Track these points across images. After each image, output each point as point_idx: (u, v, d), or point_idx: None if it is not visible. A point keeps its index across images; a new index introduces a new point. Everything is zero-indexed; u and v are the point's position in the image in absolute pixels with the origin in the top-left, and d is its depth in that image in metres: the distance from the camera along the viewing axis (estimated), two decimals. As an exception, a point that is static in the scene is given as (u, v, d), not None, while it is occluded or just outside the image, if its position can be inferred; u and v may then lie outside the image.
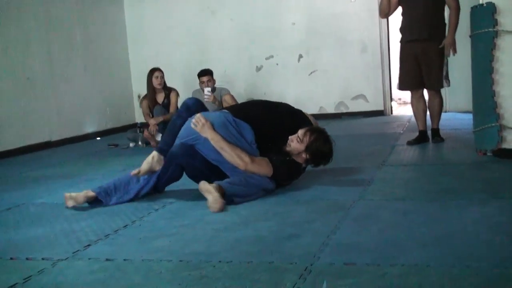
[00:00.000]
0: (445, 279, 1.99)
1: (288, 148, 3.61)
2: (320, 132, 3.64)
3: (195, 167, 3.60)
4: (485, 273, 2.03)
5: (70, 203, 3.54)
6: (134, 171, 3.64)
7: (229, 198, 3.33)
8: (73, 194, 3.57)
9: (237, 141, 3.54)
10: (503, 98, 4.16)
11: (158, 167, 3.63)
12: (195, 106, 3.79)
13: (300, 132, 3.60)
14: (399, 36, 5.30)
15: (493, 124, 4.21)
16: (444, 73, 5.06)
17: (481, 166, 4.02)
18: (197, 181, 3.47)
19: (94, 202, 3.58)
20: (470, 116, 4.77)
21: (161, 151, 3.66)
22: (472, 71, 4.54)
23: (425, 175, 3.97)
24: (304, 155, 3.59)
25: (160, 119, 6.53)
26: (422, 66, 5.11)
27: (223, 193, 3.31)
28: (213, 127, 3.52)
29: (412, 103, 5.39)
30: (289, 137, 3.62)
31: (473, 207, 2.94)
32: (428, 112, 5.34)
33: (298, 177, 3.75)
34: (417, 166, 4.30)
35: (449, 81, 5.09)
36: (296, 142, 3.58)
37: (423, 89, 5.33)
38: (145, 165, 3.63)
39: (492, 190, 3.29)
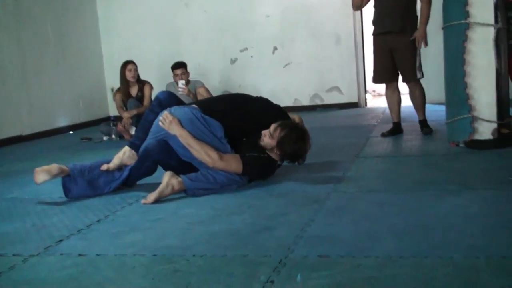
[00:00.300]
0: (418, 269, 2.00)
1: (262, 143, 3.54)
2: (292, 128, 3.51)
3: (170, 164, 3.57)
4: (457, 263, 2.04)
5: (41, 178, 3.46)
6: (103, 166, 3.60)
7: (190, 193, 3.39)
8: (45, 167, 3.49)
9: (206, 137, 3.50)
10: (475, 89, 4.20)
11: (129, 162, 3.61)
12: (167, 100, 3.74)
13: (272, 127, 3.49)
14: (372, 28, 5.31)
15: (465, 116, 4.25)
16: (417, 64, 5.08)
17: (454, 157, 4.05)
18: None
19: (65, 178, 3.56)
20: (443, 107, 4.81)
21: (133, 146, 3.64)
22: (444, 63, 4.57)
23: (399, 166, 4.00)
24: (277, 151, 3.50)
25: (134, 112, 6.48)
26: (396, 59, 5.13)
27: (184, 188, 3.37)
28: (181, 123, 3.49)
29: (386, 94, 5.42)
30: (262, 131, 3.54)
31: (446, 198, 2.97)
32: (410, 104, 5.35)
33: (272, 174, 3.69)
34: (391, 157, 4.32)
35: (422, 72, 5.11)
36: (267, 137, 3.49)
37: (397, 81, 5.35)
38: (116, 160, 3.61)
39: (465, 181, 3.32)
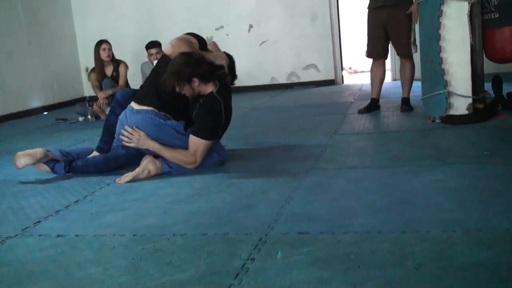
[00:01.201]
0: (396, 245, 2.03)
1: (189, 95, 3.42)
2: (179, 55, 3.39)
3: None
4: (435, 237, 2.07)
5: (23, 162, 3.42)
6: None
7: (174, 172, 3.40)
8: (29, 151, 3.45)
9: (174, 139, 3.44)
10: (450, 65, 4.22)
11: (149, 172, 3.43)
12: (125, 99, 3.71)
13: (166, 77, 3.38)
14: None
15: (441, 91, 4.29)
16: (412, 39, 5.06)
17: (430, 133, 4.09)
18: None
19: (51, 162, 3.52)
20: (419, 83, 4.84)
21: (100, 150, 3.67)
22: (419, 39, 4.59)
23: (376, 143, 4.02)
24: (187, 87, 3.36)
25: (109, 92, 6.41)
26: (390, 33, 5.10)
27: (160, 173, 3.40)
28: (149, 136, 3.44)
29: (371, 69, 5.40)
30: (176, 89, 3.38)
31: (423, 173, 3.00)
32: (389, 81, 5.35)
33: (222, 111, 3.45)
34: (369, 134, 4.35)
35: (416, 46, 5.06)
36: (183, 86, 3.36)
37: (386, 58, 5.36)
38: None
39: (441, 156, 3.35)
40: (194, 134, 3.37)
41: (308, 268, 1.89)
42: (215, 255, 2.08)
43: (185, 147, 3.40)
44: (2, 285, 1.97)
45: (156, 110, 3.50)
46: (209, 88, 3.43)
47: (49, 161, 3.52)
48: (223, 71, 3.55)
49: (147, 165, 3.37)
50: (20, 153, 3.45)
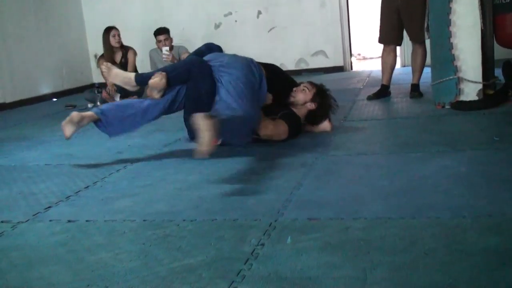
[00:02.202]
0: (406, 230, 2.03)
1: (291, 99, 3.75)
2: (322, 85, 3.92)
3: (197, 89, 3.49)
4: (445, 223, 2.07)
5: (67, 131, 3.37)
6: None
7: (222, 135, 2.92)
8: (67, 118, 3.38)
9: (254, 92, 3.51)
10: (460, 50, 4.20)
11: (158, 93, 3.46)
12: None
13: (305, 83, 3.84)
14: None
15: (451, 77, 4.27)
16: (426, 24, 5.02)
17: (440, 119, 4.08)
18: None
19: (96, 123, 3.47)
20: (428, 70, 4.81)
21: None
22: (430, 24, 4.56)
23: (385, 129, 4.02)
24: (309, 106, 3.76)
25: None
26: (403, 19, 5.06)
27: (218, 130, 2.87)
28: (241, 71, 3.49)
29: (382, 55, 5.38)
30: (294, 88, 3.79)
31: (432, 159, 2.99)
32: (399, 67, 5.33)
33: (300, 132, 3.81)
34: (378, 120, 4.33)
35: (429, 33, 5.04)
36: (302, 93, 3.76)
37: (398, 44, 5.33)
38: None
39: (451, 142, 3.34)
40: (283, 119, 3.62)
41: (317, 253, 1.89)
42: (225, 240, 2.09)
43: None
44: (14, 269, 1.99)
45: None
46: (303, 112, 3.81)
47: (96, 121, 3.45)
48: None
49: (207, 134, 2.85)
50: (63, 122, 3.40)
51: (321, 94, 3.81)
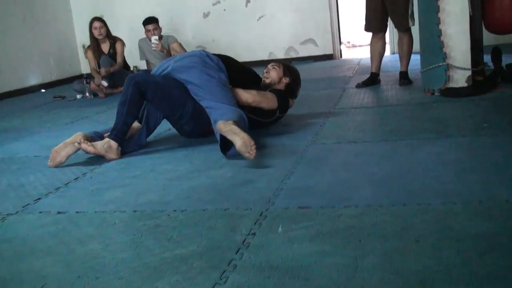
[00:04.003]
0: (397, 217, 2.03)
1: (267, 81, 3.79)
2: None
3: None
4: (435, 209, 2.07)
5: (64, 154, 3.25)
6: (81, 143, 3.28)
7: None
8: (67, 140, 3.28)
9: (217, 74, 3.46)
10: (449, 37, 4.19)
11: (108, 157, 3.33)
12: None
13: (272, 63, 3.90)
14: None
15: (440, 64, 4.26)
16: (410, 12, 5.01)
17: (429, 106, 4.08)
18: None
19: None
20: (418, 57, 4.82)
21: (117, 140, 3.38)
22: (418, 11, 4.55)
23: (375, 116, 4.02)
24: (284, 80, 3.81)
25: (107, 70, 6.38)
26: (387, 5, 5.05)
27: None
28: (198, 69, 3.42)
29: (371, 43, 5.37)
30: (264, 70, 3.85)
31: (422, 146, 2.99)
32: (389, 55, 5.34)
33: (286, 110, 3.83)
34: (368, 108, 4.33)
35: (414, 20, 5.01)
36: (274, 70, 3.81)
37: (385, 31, 5.33)
38: (99, 147, 3.30)
39: (440, 129, 3.34)
40: (273, 92, 3.66)
41: (309, 242, 1.89)
42: (216, 230, 2.09)
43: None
44: (3, 261, 1.98)
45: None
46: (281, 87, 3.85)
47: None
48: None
49: (243, 134, 2.99)
50: (56, 148, 3.27)
51: (289, 68, 3.91)
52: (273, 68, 3.84)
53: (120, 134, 3.34)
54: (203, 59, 3.49)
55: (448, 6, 4.16)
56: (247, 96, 3.49)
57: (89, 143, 3.25)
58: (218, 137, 3.12)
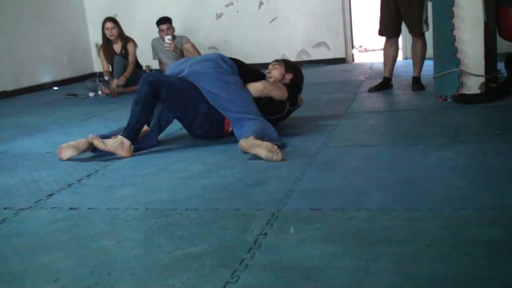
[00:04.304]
0: (409, 222, 2.03)
1: (271, 80, 3.78)
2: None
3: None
4: (447, 215, 2.07)
5: (67, 154, 3.30)
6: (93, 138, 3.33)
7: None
8: (72, 142, 3.33)
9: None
10: (463, 43, 4.19)
11: (120, 155, 3.34)
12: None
13: (273, 62, 3.91)
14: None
15: (453, 70, 4.26)
16: (424, 17, 5.00)
17: (442, 112, 4.07)
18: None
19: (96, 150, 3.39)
20: (430, 62, 4.81)
21: (131, 139, 3.38)
22: (432, 17, 4.55)
23: (387, 121, 4.02)
24: (288, 76, 3.82)
25: (122, 80, 6.41)
26: (402, 11, 5.04)
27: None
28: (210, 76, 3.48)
29: (384, 47, 5.37)
30: (267, 71, 3.85)
31: (434, 151, 2.99)
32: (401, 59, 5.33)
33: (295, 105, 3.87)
34: (380, 112, 4.33)
35: (428, 25, 4.99)
36: (276, 69, 3.82)
37: (399, 36, 5.33)
38: (110, 145, 3.32)
39: (452, 135, 3.34)
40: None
41: (320, 243, 1.90)
42: (228, 229, 2.09)
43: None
44: (17, 255, 2.00)
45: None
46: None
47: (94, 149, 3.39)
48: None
49: (266, 143, 3.07)
50: (63, 145, 3.34)
51: (290, 64, 3.93)
52: (275, 67, 3.86)
53: (133, 132, 3.36)
54: (218, 63, 3.54)
55: (462, 12, 4.15)
56: (258, 85, 3.56)
57: (100, 140, 3.27)
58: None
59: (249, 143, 3.08)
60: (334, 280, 1.63)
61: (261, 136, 3.17)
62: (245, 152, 3.11)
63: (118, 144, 3.30)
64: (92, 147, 3.36)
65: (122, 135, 3.35)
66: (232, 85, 3.45)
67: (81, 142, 3.35)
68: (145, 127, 3.54)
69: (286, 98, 3.68)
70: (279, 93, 3.64)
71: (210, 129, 3.54)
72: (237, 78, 3.53)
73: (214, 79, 3.44)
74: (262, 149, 3.01)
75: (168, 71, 3.69)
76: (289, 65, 3.90)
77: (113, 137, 3.41)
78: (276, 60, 3.96)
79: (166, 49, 6.61)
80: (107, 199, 2.58)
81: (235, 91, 3.44)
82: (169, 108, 3.49)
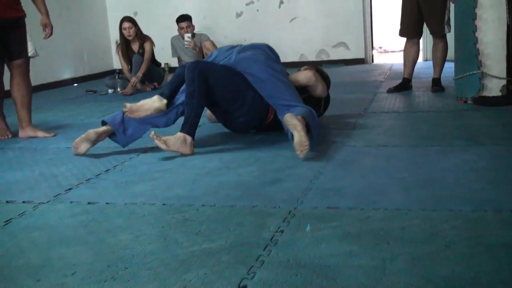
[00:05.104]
0: (427, 222, 2.01)
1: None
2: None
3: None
4: (466, 216, 2.05)
5: (83, 148, 3.32)
6: (126, 105, 3.33)
7: (310, 134, 3.07)
8: (82, 136, 3.33)
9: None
10: (485, 45, 4.14)
11: (153, 107, 3.35)
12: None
13: (305, 66, 3.92)
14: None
15: (474, 72, 4.22)
16: (446, 18, 4.96)
17: (462, 113, 4.04)
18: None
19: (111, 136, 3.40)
20: (451, 64, 4.77)
21: (161, 94, 3.43)
22: (454, 18, 4.51)
23: (406, 122, 3.99)
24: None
25: (139, 76, 6.44)
26: (424, 12, 5.00)
27: (307, 128, 3.04)
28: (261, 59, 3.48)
29: (405, 48, 5.34)
30: (298, 70, 3.82)
31: (453, 153, 2.96)
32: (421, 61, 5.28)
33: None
34: (399, 113, 4.30)
35: (450, 26, 4.96)
36: (310, 70, 3.76)
37: (420, 37, 5.29)
38: (141, 102, 3.35)
39: (473, 137, 3.31)
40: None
41: (337, 242, 1.89)
42: (244, 226, 2.09)
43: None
44: (35, 247, 2.01)
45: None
46: None
47: (111, 135, 3.41)
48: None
49: (302, 133, 2.96)
50: (76, 140, 3.35)
51: (321, 72, 3.92)
52: (306, 69, 3.83)
53: (193, 127, 3.28)
54: (266, 51, 3.56)
55: (485, 13, 4.11)
56: (308, 73, 3.62)
57: (161, 139, 3.16)
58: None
59: (294, 120, 2.97)
60: (351, 279, 1.62)
61: (308, 123, 3.06)
62: (285, 126, 3.06)
63: (180, 142, 3.21)
64: (102, 137, 3.37)
65: (182, 132, 3.25)
66: (279, 73, 3.44)
67: (90, 134, 3.34)
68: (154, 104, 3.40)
69: (324, 99, 3.74)
70: (323, 88, 3.69)
71: (255, 117, 3.53)
72: (283, 67, 3.55)
73: (264, 66, 3.42)
74: (298, 136, 2.93)
75: (211, 57, 3.67)
76: (320, 73, 3.88)
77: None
78: (308, 65, 3.97)
79: (185, 46, 6.63)
80: (124, 194, 2.59)
81: (282, 80, 3.42)
82: (217, 95, 3.39)
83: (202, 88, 3.28)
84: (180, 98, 3.47)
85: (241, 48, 3.62)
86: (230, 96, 3.43)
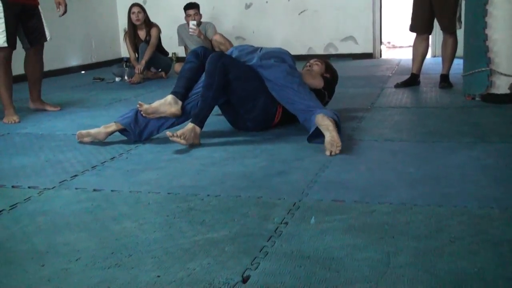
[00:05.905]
0: (432, 217, 2.01)
1: (309, 77, 3.73)
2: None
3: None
4: (472, 212, 2.04)
5: (87, 140, 3.36)
6: (142, 105, 3.34)
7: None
8: (91, 131, 3.36)
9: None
10: (494, 42, 4.12)
11: (169, 111, 3.35)
12: (203, 52, 3.56)
13: (314, 59, 4.08)
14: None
15: (483, 69, 4.19)
16: (458, 14, 4.94)
17: (469, 110, 4.02)
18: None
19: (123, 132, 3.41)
20: (459, 61, 4.74)
21: (175, 94, 3.41)
22: (465, 14, 4.48)
23: (413, 117, 3.97)
24: (325, 74, 3.88)
25: (145, 60, 6.44)
26: (435, 8, 4.98)
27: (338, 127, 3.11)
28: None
29: (414, 44, 5.32)
30: (306, 64, 3.98)
31: (460, 149, 2.95)
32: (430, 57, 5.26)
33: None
34: (406, 108, 4.29)
35: (461, 23, 4.93)
36: (317, 65, 3.92)
37: (430, 33, 5.26)
38: (155, 104, 3.35)
39: (479, 134, 3.30)
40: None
41: (341, 234, 1.88)
42: (249, 217, 2.09)
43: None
44: (40, 233, 2.02)
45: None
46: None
47: (122, 131, 3.40)
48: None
49: (334, 133, 3.02)
50: (83, 132, 3.37)
51: (329, 66, 4.03)
52: (316, 63, 3.93)
53: (205, 119, 3.28)
54: (285, 59, 3.62)
55: (496, 11, 4.08)
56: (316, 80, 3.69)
57: (179, 136, 3.13)
58: (310, 128, 3.15)
59: (326, 120, 3.03)
60: (355, 271, 1.62)
61: (337, 123, 3.11)
62: (318, 126, 3.07)
63: (193, 134, 3.20)
64: (109, 135, 3.38)
65: (193, 122, 3.23)
66: (298, 79, 3.44)
67: (101, 134, 3.35)
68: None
69: (325, 93, 3.79)
70: (315, 82, 3.69)
71: (263, 121, 3.54)
72: (299, 73, 3.59)
73: (285, 73, 3.42)
74: (330, 136, 2.98)
75: (233, 52, 3.67)
76: (329, 66, 4.01)
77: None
78: (319, 59, 4.05)
79: (190, 33, 6.59)
80: (129, 182, 2.59)
81: (302, 85, 3.42)
82: (232, 91, 3.38)
83: (220, 82, 3.27)
84: (196, 88, 3.47)
85: (263, 54, 3.59)
86: (243, 94, 3.42)
